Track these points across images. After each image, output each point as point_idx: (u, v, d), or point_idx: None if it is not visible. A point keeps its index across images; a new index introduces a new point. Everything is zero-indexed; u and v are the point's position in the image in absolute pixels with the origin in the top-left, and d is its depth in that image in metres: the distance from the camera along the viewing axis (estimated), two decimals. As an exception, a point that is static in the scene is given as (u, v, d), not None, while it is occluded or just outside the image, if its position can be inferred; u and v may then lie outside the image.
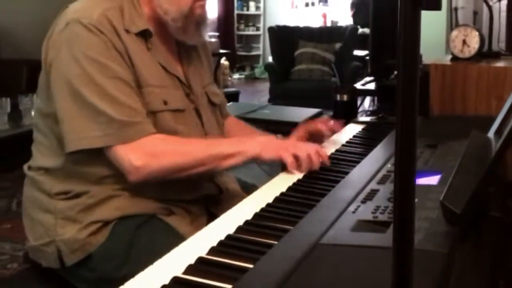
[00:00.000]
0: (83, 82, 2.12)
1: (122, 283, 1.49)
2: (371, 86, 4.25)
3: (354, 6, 12.78)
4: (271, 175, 2.31)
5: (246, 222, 1.84)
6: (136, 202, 2.27)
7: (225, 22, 14.55)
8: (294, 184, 2.18)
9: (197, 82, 2.51)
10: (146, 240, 2.18)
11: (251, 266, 1.50)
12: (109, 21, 2.20)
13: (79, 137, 2.13)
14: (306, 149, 2.27)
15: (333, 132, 2.86)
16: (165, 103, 2.29)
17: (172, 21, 2.34)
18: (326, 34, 10.54)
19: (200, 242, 1.70)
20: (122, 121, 2.11)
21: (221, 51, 11.71)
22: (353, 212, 1.79)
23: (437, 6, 0.89)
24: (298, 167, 2.23)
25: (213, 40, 11.26)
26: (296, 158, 2.24)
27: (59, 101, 2.18)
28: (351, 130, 3.06)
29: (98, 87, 2.12)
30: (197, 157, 2.20)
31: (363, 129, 3.11)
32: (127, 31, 2.24)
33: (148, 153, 2.13)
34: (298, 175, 2.21)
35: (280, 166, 2.38)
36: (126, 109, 2.12)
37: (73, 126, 2.15)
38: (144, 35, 2.30)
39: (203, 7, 2.39)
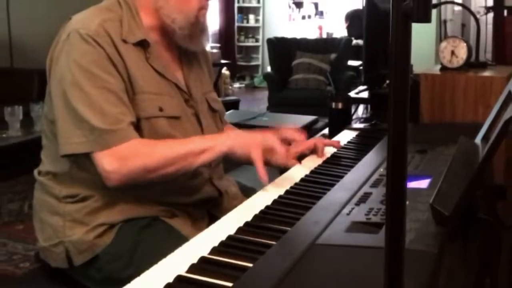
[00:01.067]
0: (72, 90, 2.12)
1: (128, 282, 1.50)
2: (365, 94, 4.25)
3: (348, 18, 12.80)
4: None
5: (246, 224, 1.84)
6: (140, 205, 2.27)
7: (226, 34, 14.56)
8: (291, 187, 2.19)
9: (197, 89, 2.51)
10: (150, 242, 2.18)
11: (250, 265, 1.51)
12: (106, 32, 2.20)
13: (66, 142, 2.14)
14: (275, 140, 2.25)
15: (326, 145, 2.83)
16: (161, 109, 2.28)
17: (180, 29, 2.34)
18: (322, 46, 10.54)
19: (202, 243, 1.70)
20: (102, 129, 2.09)
21: (222, 61, 11.71)
22: (348, 214, 1.79)
23: (427, 19, 0.89)
24: (263, 170, 2.18)
25: (214, 51, 11.27)
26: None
27: (54, 106, 2.18)
28: (346, 136, 3.06)
29: (85, 95, 2.11)
30: (166, 157, 2.15)
31: (357, 135, 3.11)
32: (125, 41, 2.24)
33: (118, 157, 2.11)
34: (296, 179, 2.21)
35: (278, 170, 2.38)
36: (108, 118, 2.11)
37: (62, 132, 2.15)
38: (142, 44, 2.30)
39: (204, 15, 2.41)
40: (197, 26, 2.38)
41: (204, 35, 2.45)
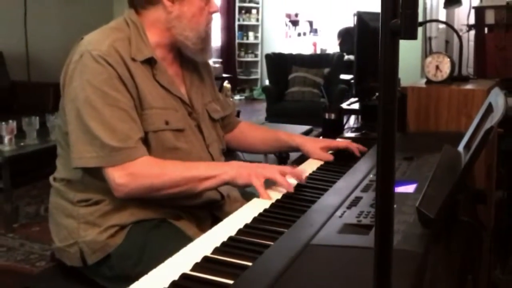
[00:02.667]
0: (85, 108, 2.13)
1: (137, 279, 1.50)
2: (356, 106, 4.25)
3: (340, 36, 12.77)
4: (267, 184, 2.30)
5: (246, 225, 1.84)
6: (148, 208, 2.28)
7: (228, 50, 14.55)
8: (288, 192, 2.19)
9: (198, 101, 2.52)
10: (158, 242, 2.19)
11: (250, 264, 1.51)
12: (117, 52, 2.21)
13: (78, 156, 2.16)
14: (277, 171, 2.23)
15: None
16: (167, 123, 2.30)
17: (193, 44, 2.38)
18: (316, 61, 10.52)
19: (205, 243, 1.70)
20: (112, 146, 2.11)
21: (224, 75, 11.69)
22: (340, 216, 1.79)
23: (413, 36, 0.89)
24: (266, 193, 2.17)
25: (217, 65, 11.25)
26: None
27: (68, 122, 2.19)
28: (338, 145, 3.06)
29: (97, 113, 2.12)
30: (172, 179, 2.18)
31: (348, 143, 3.10)
32: (134, 60, 2.25)
33: (130, 173, 2.13)
34: (292, 185, 2.21)
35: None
36: (118, 135, 2.12)
37: (75, 146, 2.17)
38: (149, 62, 2.31)
39: (211, 28, 2.46)
40: (207, 39, 2.43)
41: (211, 45, 2.48)
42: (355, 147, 2.79)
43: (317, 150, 2.76)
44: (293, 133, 2.93)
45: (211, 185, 2.25)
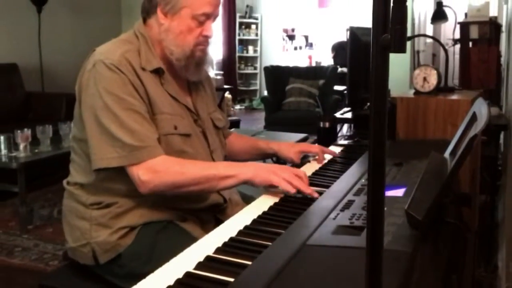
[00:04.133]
0: (104, 113, 2.14)
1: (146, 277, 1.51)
2: (349, 115, 4.25)
3: (334, 49, 12.77)
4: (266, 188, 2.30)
5: (246, 227, 1.84)
6: (157, 210, 2.29)
7: (228, 62, 14.56)
8: (285, 195, 2.19)
9: (203, 110, 2.52)
10: (166, 242, 2.19)
11: (249, 263, 1.51)
12: (128, 61, 2.21)
13: (100, 158, 2.16)
14: (290, 172, 2.23)
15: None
16: (175, 128, 2.31)
17: (177, 60, 2.35)
18: (312, 73, 10.53)
19: (208, 243, 1.71)
20: (133, 145, 2.13)
21: (225, 86, 11.69)
22: (334, 218, 1.79)
23: (402, 50, 0.89)
24: (291, 187, 2.17)
25: (218, 77, 11.25)
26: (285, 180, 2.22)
27: (87, 128, 2.20)
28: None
29: (116, 117, 2.13)
30: (193, 177, 2.18)
31: (341, 150, 3.10)
32: (143, 69, 2.26)
33: (153, 170, 2.14)
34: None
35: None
36: (137, 135, 2.14)
37: (96, 148, 2.17)
38: (157, 72, 2.31)
39: (203, 50, 2.39)
40: (192, 60, 2.38)
41: (200, 67, 2.44)
42: (322, 155, 2.84)
43: (291, 154, 2.80)
44: (270, 141, 2.95)
45: (231, 183, 2.24)
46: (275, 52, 15.09)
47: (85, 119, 2.21)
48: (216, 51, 13.95)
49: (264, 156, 3.00)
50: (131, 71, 2.21)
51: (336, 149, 3.10)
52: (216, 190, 2.30)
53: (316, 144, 2.98)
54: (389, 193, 2.02)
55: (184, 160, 2.25)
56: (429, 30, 13.98)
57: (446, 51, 3.83)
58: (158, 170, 2.15)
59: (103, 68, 2.18)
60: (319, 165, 2.72)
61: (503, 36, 7.67)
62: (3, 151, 5.44)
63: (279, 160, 3.00)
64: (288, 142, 2.94)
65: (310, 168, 2.67)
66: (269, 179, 2.20)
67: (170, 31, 2.32)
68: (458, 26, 7.10)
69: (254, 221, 1.91)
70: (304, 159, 2.91)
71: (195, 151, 2.39)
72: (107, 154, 2.15)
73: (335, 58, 12.55)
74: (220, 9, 2.47)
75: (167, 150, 2.25)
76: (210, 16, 2.34)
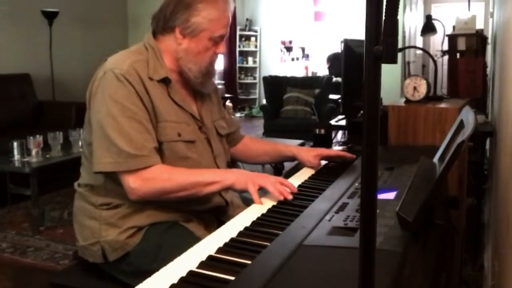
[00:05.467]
0: (107, 119, 2.16)
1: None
2: (343, 122, 4.26)
3: (329, 60, 12.77)
4: (265, 192, 2.31)
5: (246, 228, 1.84)
6: (163, 211, 2.29)
7: (229, 73, 14.57)
8: (283, 198, 2.19)
9: (208, 118, 2.53)
10: (171, 241, 2.19)
11: (249, 262, 1.50)
12: (136, 71, 2.22)
13: (97, 161, 2.18)
14: (270, 181, 2.25)
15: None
16: (179, 135, 2.32)
17: (194, 77, 2.39)
18: (308, 82, 10.52)
19: (210, 244, 1.70)
20: (129, 153, 2.13)
21: (226, 95, 11.73)
22: (329, 220, 1.79)
23: (393, 61, 0.90)
24: (259, 198, 2.19)
25: (220, 86, 11.27)
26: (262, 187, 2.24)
27: (93, 132, 2.22)
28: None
29: (117, 124, 2.14)
30: (180, 183, 2.20)
31: (336, 156, 3.10)
32: (151, 79, 2.27)
33: (143, 178, 2.16)
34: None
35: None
36: (134, 143, 2.15)
37: (96, 153, 2.19)
38: (164, 81, 2.32)
39: (214, 65, 2.46)
40: (208, 75, 2.43)
41: (211, 80, 2.50)
42: (342, 154, 2.82)
43: (310, 158, 2.79)
44: (289, 144, 2.95)
45: (215, 189, 2.27)
46: (274, 63, 15.09)
47: (92, 123, 2.23)
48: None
49: (284, 159, 2.98)
50: (138, 81, 2.22)
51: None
52: (201, 195, 2.29)
53: (334, 148, 2.98)
54: (381, 196, 2.02)
55: (174, 168, 2.26)
56: (419, 42, 14.02)
57: (435, 62, 3.83)
58: (147, 178, 2.17)
59: (112, 77, 2.19)
60: (315, 170, 2.72)
61: (489, 48, 7.69)
62: (16, 157, 5.45)
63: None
64: (306, 147, 2.94)
65: (306, 173, 2.67)
66: (246, 186, 2.24)
67: (189, 51, 2.36)
68: (446, 38, 7.12)
69: (253, 222, 1.91)
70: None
71: (199, 157, 2.40)
72: (103, 158, 2.16)
73: (330, 68, 12.55)
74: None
75: (172, 156, 2.27)
76: (224, 37, 2.40)
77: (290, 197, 2.19)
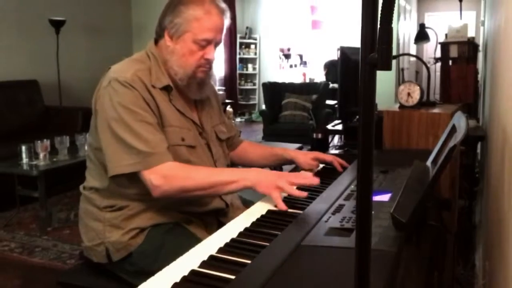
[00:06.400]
0: (118, 124, 2.16)
1: (155, 274, 1.51)
2: (339, 127, 4.26)
3: (326, 67, 12.78)
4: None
5: (246, 229, 1.84)
6: (165, 213, 2.29)
7: (230, 79, 14.56)
8: (282, 200, 2.18)
9: (208, 123, 2.53)
10: (173, 242, 2.19)
11: (249, 262, 1.51)
12: (139, 79, 2.23)
13: (115, 165, 2.17)
14: (291, 182, 2.19)
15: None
16: (182, 139, 2.32)
17: (180, 80, 2.35)
18: (306, 88, 10.51)
19: (211, 244, 1.71)
20: (145, 152, 2.14)
21: (227, 100, 11.71)
22: (326, 221, 1.79)
23: (388, 68, 0.90)
24: (283, 205, 2.11)
25: (221, 92, 11.27)
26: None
27: (103, 138, 2.21)
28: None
29: (129, 128, 2.15)
30: (200, 182, 2.18)
31: (333, 159, 3.10)
32: (153, 86, 2.27)
33: (163, 175, 2.14)
34: (285, 194, 2.20)
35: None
36: (149, 143, 2.15)
37: (111, 156, 2.18)
38: (166, 89, 2.32)
39: (204, 72, 2.39)
40: (194, 80, 2.38)
41: (202, 87, 2.44)
42: (337, 163, 2.80)
43: (308, 160, 2.80)
44: (286, 148, 2.95)
45: (234, 188, 2.23)
46: (272, 69, 15.10)
47: (100, 131, 2.22)
48: (218, 68, 13.95)
49: (282, 162, 2.97)
50: (143, 88, 2.22)
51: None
52: (220, 194, 2.30)
53: (331, 152, 2.98)
54: (376, 198, 2.02)
55: (193, 167, 2.25)
56: (413, 49, 14.05)
57: (428, 68, 3.84)
58: (167, 175, 2.15)
59: (118, 85, 2.19)
60: (312, 173, 2.72)
61: (480, 55, 7.70)
62: (25, 160, 5.45)
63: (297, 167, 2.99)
64: (303, 151, 2.93)
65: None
66: (269, 192, 2.15)
67: (174, 53, 2.34)
68: (439, 46, 7.13)
69: (253, 223, 1.91)
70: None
71: (200, 161, 2.39)
72: (123, 161, 2.16)
73: (327, 75, 12.57)
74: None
75: (175, 159, 2.26)
76: (211, 42, 2.34)
77: (316, 182, 2.22)
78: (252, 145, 2.96)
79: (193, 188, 2.19)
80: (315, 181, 2.22)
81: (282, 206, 2.11)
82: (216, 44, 2.38)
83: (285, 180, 2.19)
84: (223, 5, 2.38)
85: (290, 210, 2.05)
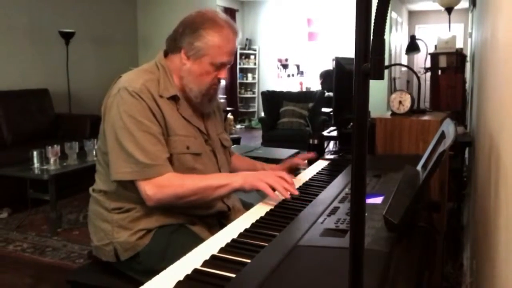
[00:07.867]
0: (123, 132, 2.17)
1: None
2: (334, 133, 4.25)
3: (322, 76, 12.77)
4: (263, 197, 2.31)
5: (246, 230, 1.84)
6: (170, 215, 2.30)
7: (231, 88, 14.56)
8: (279, 203, 2.19)
9: (213, 131, 2.53)
10: (178, 242, 2.20)
11: (249, 261, 1.51)
12: (148, 89, 2.23)
13: (116, 171, 2.20)
14: (275, 180, 2.24)
15: (307, 159, 3.00)
16: (187, 148, 2.33)
17: (194, 97, 2.38)
18: (302, 97, 10.50)
19: (213, 244, 1.71)
20: (145, 163, 2.16)
21: (228, 108, 11.71)
22: (322, 222, 1.79)
23: (381, 77, 0.90)
24: (272, 192, 2.21)
25: (222, 100, 11.27)
26: (269, 185, 2.24)
27: (108, 143, 2.22)
28: (320, 165, 3.06)
29: (133, 137, 2.16)
30: (191, 188, 2.20)
31: (328, 164, 3.11)
32: (161, 96, 2.28)
33: (157, 185, 2.17)
34: (282, 197, 2.21)
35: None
36: (149, 154, 2.16)
37: (113, 162, 2.21)
38: (174, 98, 2.33)
39: (215, 89, 2.43)
40: (207, 97, 2.41)
41: (211, 102, 2.47)
42: (300, 160, 2.98)
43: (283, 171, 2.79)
44: (264, 164, 2.99)
45: (224, 192, 2.27)
46: (271, 79, 15.11)
47: (107, 137, 2.24)
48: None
49: None
50: (150, 98, 2.23)
51: (324, 163, 3.11)
52: (212, 199, 2.30)
53: (294, 158, 3.00)
54: (369, 200, 2.02)
55: (185, 175, 2.27)
56: (404, 59, 14.06)
57: (418, 78, 3.84)
58: (161, 185, 2.18)
59: (126, 94, 2.20)
60: (309, 176, 2.72)
61: (468, 65, 7.70)
62: (36, 165, 5.46)
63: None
64: (279, 165, 2.96)
65: (301, 179, 2.68)
66: (256, 185, 2.24)
67: (191, 72, 2.35)
68: (429, 56, 7.15)
69: (253, 225, 1.92)
70: (297, 171, 2.94)
71: (205, 168, 2.40)
72: (122, 168, 2.18)
73: (322, 84, 12.56)
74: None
75: (180, 167, 2.28)
76: (227, 64, 2.38)
77: (296, 192, 2.25)
78: (239, 158, 2.99)
79: (186, 194, 2.21)
80: (295, 192, 2.27)
81: (272, 195, 2.18)
82: (229, 65, 2.41)
83: (273, 180, 2.25)
84: (235, 26, 2.41)
85: (287, 212, 2.05)
